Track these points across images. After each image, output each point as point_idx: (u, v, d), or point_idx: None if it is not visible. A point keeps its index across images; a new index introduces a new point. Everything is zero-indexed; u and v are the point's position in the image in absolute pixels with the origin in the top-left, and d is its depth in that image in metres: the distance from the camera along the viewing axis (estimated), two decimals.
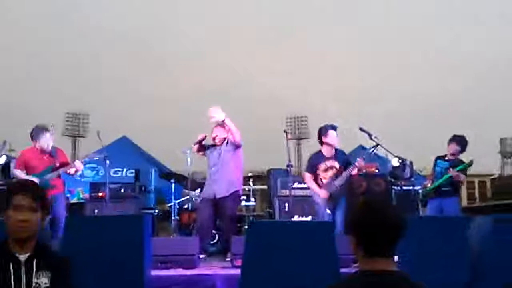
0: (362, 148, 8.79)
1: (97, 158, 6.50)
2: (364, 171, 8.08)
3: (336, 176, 6.15)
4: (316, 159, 6.26)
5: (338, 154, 6.25)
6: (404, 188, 8.40)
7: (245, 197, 8.91)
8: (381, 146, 6.15)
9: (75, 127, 23.47)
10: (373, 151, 6.12)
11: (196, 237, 5.64)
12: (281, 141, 6.44)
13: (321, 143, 6.26)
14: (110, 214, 7.25)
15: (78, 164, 6.15)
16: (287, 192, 7.93)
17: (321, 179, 6.19)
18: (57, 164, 6.15)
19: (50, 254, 2.47)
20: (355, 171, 6.11)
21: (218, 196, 6.15)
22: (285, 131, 6.46)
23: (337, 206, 6.07)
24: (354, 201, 2.24)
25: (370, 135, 6.11)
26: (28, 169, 6.10)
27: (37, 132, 6.12)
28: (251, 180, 9.32)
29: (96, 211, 8.16)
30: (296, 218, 7.83)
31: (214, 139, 6.38)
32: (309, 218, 7.66)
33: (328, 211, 6.08)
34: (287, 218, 7.59)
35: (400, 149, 7.43)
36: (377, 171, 9.00)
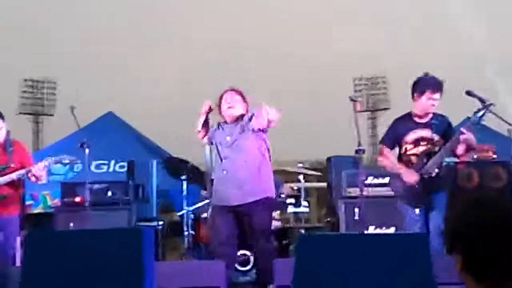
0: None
1: (68, 161, 6.65)
2: (473, 152, 7.97)
3: (431, 153, 6.12)
4: (402, 125, 6.28)
5: (436, 121, 6.22)
6: None
7: (292, 201, 8.92)
8: (497, 116, 6.09)
9: (37, 101, 23.95)
10: (481, 116, 6.01)
11: (222, 261, 5.69)
12: (346, 115, 6.39)
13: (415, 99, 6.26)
14: (92, 228, 7.37)
15: (39, 168, 6.27)
16: (356, 191, 7.90)
17: (408, 157, 6.18)
18: (12, 165, 6.28)
19: None
20: (461, 149, 6.07)
21: (237, 203, 6.13)
22: (352, 99, 6.40)
23: (433, 204, 6.04)
24: (462, 200, 2.18)
25: (482, 101, 6.03)
26: None
27: None
28: (301, 175, 9.31)
29: (71, 224, 8.32)
30: (371, 230, 7.81)
31: (225, 112, 6.38)
32: (391, 230, 7.61)
33: (416, 210, 6.07)
34: (358, 231, 7.57)
35: None
36: (494, 156, 8.88)
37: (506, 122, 6.56)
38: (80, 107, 6.94)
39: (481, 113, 5.99)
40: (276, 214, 8.32)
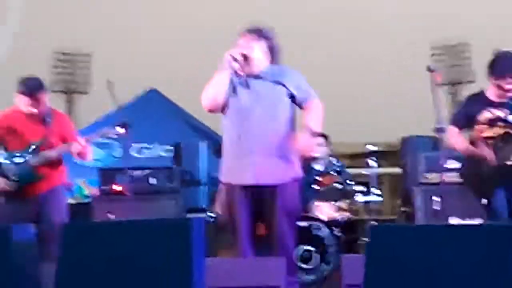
0: None
1: (116, 136, 6.67)
2: None
3: (509, 137, 6.04)
4: (474, 103, 6.24)
5: None
6: None
7: (362, 188, 8.87)
8: None
9: (69, 77, 24.19)
10: None
11: (282, 257, 5.68)
12: (422, 88, 6.34)
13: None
14: (134, 219, 7.44)
15: (82, 143, 6.32)
16: (436, 177, 7.84)
17: (482, 138, 6.11)
18: (52, 140, 6.36)
19: None
20: None
21: (262, 182, 5.83)
22: (430, 69, 6.33)
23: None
24: None
25: None
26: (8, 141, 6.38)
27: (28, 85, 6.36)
28: (371, 158, 9.25)
29: (110, 215, 8.42)
30: (454, 221, 7.75)
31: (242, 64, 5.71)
32: (478, 221, 7.53)
33: (484, 200, 6.05)
34: (439, 222, 7.52)
35: None
36: None
37: None
38: (118, 84, 6.96)
39: None
40: (344, 203, 8.32)
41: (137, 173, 8.72)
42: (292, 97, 5.77)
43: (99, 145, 13.04)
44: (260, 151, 5.62)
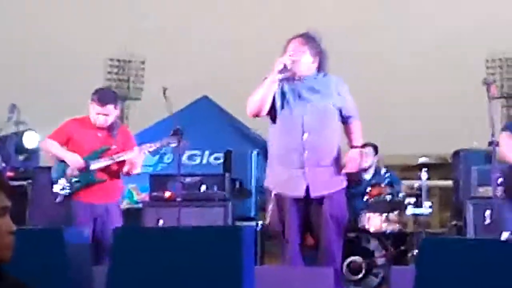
0: None
1: (173, 145, 6.78)
2: None
3: None
4: None
5: None
6: None
7: (412, 200, 8.80)
8: None
9: (123, 83, 24.36)
10: None
11: (329, 266, 5.68)
12: (477, 101, 6.29)
13: None
14: (184, 225, 7.50)
15: (136, 154, 6.50)
16: (489, 190, 7.75)
17: None
18: (115, 150, 6.54)
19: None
20: None
21: (314, 195, 5.74)
22: (486, 82, 6.28)
23: None
24: None
25: None
26: (69, 145, 6.56)
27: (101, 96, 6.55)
28: (422, 170, 9.17)
29: (160, 221, 8.48)
30: (506, 235, 7.66)
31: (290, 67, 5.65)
32: None
33: None
34: (490, 236, 7.45)
35: None
36: None
37: None
38: (169, 90, 7.04)
39: None
40: (394, 215, 8.28)
41: (188, 180, 8.76)
42: (339, 110, 5.79)
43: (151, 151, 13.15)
44: (311, 162, 5.61)
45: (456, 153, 9.47)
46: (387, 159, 10.28)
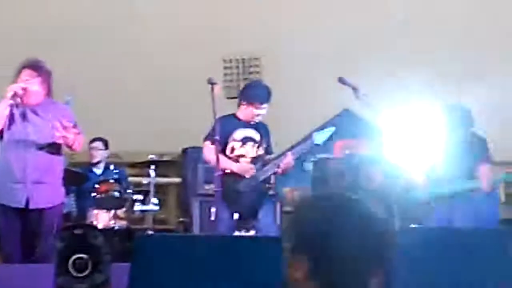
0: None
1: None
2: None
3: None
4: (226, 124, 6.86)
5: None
6: None
7: (140, 197, 8.89)
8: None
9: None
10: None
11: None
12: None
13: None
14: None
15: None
16: (213, 187, 7.98)
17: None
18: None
19: None
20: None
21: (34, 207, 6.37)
22: (210, 82, 6.67)
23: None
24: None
25: (354, 90, 6.30)
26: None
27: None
28: (151, 167, 9.29)
29: None
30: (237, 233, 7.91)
31: None
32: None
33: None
34: (215, 232, 7.65)
35: None
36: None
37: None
38: None
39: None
40: (121, 212, 8.33)
41: None
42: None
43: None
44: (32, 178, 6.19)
45: (185, 151, 9.64)
46: (119, 156, 10.32)
